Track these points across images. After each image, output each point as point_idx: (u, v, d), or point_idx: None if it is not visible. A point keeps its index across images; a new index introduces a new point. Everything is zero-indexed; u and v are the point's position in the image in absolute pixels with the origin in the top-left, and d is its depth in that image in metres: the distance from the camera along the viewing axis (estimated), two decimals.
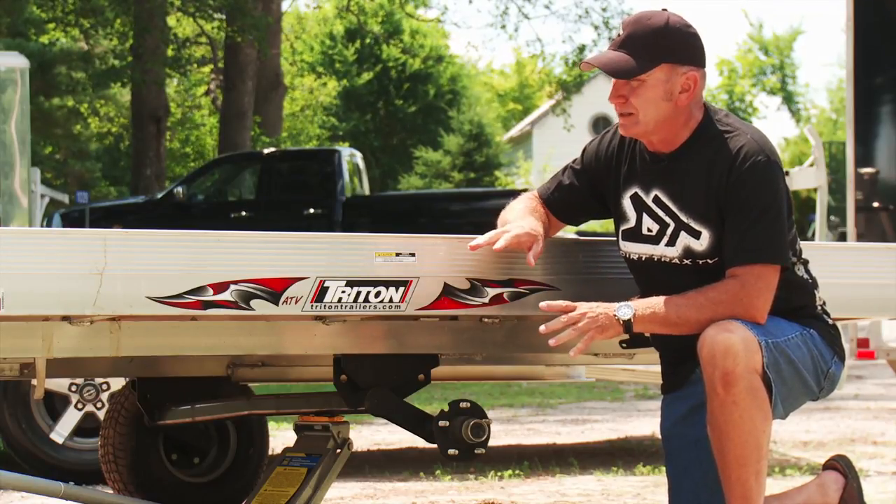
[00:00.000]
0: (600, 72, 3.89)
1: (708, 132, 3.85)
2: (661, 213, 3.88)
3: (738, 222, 3.76)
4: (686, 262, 3.86)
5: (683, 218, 3.85)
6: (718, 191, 3.79)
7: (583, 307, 3.78)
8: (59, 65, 22.19)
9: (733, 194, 3.77)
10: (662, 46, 3.82)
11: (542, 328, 3.76)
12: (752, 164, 3.77)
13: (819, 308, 3.95)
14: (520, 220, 3.95)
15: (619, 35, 3.85)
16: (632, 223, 3.94)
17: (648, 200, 3.90)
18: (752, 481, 3.69)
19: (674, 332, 3.80)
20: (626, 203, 3.95)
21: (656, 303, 3.78)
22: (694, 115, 3.87)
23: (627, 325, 3.76)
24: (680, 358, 3.89)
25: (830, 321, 3.97)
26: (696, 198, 3.83)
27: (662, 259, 3.90)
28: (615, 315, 3.76)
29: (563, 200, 4.07)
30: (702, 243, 3.83)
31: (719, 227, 3.80)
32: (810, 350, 3.83)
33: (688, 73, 3.83)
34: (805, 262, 3.96)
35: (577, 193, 4.06)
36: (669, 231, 3.87)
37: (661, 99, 3.82)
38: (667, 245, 3.88)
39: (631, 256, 3.97)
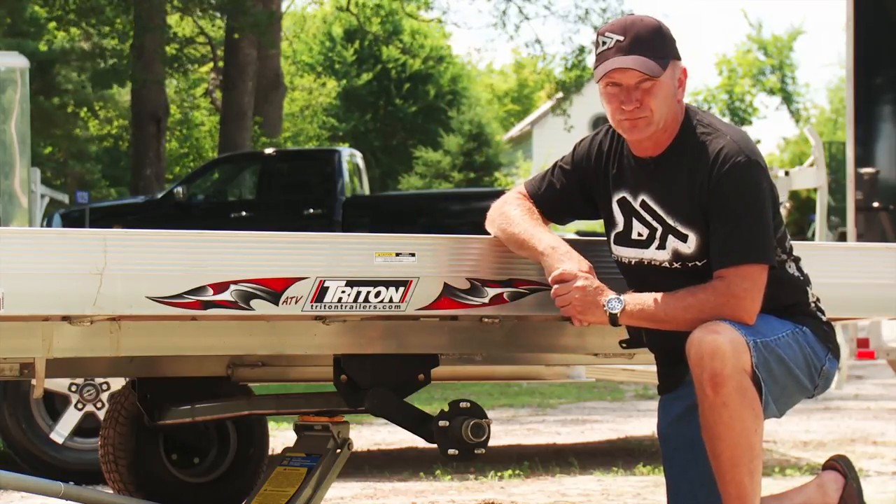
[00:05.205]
0: (602, 74, 3.87)
1: (688, 134, 3.86)
2: (648, 217, 3.89)
3: (722, 224, 3.77)
4: (676, 265, 3.87)
5: (670, 221, 3.85)
6: (701, 194, 3.80)
7: (580, 282, 3.79)
8: (60, 64, 22.16)
9: (715, 197, 3.77)
10: (666, 44, 3.84)
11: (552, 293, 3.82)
12: (732, 165, 3.77)
13: (812, 305, 3.95)
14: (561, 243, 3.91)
15: (618, 41, 3.81)
16: (621, 227, 3.95)
17: (636, 205, 3.91)
18: (747, 481, 3.69)
19: (661, 328, 3.82)
20: (615, 207, 3.96)
21: (646, 299, 3.79)
22: (678, 115, 3.88)
23: (612, 319, 3.78)
24: (674, 359, 3.89)
25: (824, 318, 3.97)
26: (681, 201, 3.83)
27: (653, 262, 3.90)
28: (604, 305, 3.77)
29: (553, 200, 4.07)
30: (689, 246, 3.84)
31: (705, 230, 3.81)
32: (802, 348, 3.83)
33: (682, 67, 3.88)
34: (796, 260, 3.95)
35: (566, 194, 4.06)
36: (658, 235, 3.88)
37: (671, 96, 3.84)
38: (657, 249, 3.89)
39: (622, 260, 3.98)
